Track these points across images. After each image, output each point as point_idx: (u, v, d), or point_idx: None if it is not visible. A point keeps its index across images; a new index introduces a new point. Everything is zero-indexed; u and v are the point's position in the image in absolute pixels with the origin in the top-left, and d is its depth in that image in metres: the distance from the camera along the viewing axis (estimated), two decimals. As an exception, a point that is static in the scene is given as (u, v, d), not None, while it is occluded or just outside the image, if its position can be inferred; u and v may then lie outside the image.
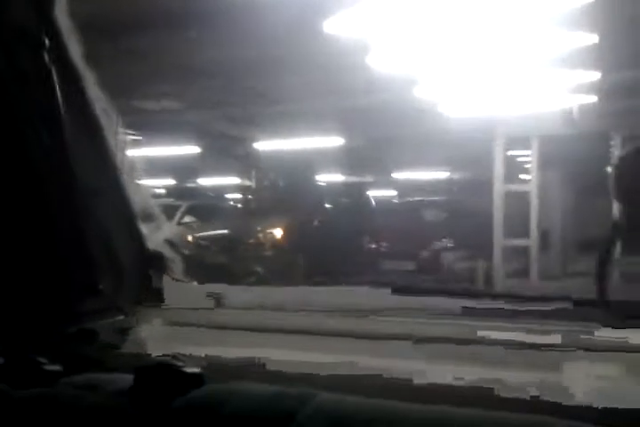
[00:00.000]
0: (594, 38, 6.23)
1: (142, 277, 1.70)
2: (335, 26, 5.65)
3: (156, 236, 1.70)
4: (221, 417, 1.01)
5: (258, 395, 1.05)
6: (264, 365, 1.25)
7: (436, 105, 8.36)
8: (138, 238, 1.68)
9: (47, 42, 1.41)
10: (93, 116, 1.52)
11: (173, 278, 1.75)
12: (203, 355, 1.28)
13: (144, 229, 1.70)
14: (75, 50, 1.47)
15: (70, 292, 1.55)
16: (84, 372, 1.20)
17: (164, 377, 1.06)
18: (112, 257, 1.63)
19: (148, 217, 1.71)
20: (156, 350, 1.42)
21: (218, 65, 7.63)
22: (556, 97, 8.27)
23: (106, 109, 1.55)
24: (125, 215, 1.65)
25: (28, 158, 1.45)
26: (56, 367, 1.17)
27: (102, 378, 1.17)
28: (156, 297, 1.72)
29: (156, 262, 1.71)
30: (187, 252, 12.08)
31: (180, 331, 1.62)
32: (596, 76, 7.56)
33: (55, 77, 1.42)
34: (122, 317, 1.64)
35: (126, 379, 1.09)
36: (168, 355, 1.18)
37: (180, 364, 1.08)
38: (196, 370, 1.08)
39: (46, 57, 1.41)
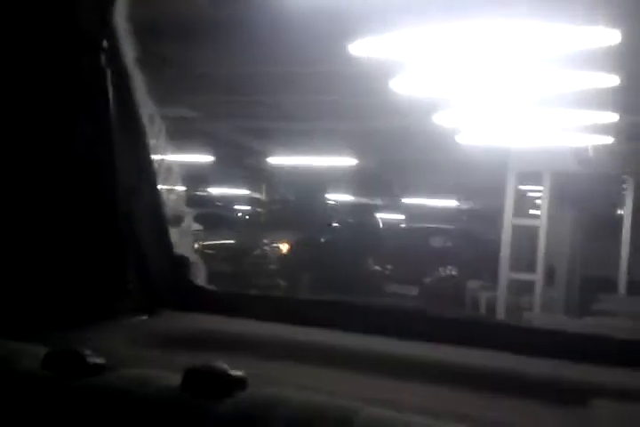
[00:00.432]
0: (615, 80, 6.28)
1: (168, 280, 1.75)
2: (362, 48, 5.68)
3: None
4: (271, 423, 1.02)
5: (306, 403, 1.06)
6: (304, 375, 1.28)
7: (454, 133, 8.41)
8: (166, 241, 1.73)
9: (105, 44, 1.46)
10: (139, 119, 1.57)
11: (195, 284, 1.79)
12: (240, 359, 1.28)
13: (173, 232, 1.74)
14: (129, 54, 1.52)
15: (102, 288, 1.59)
16: (125, 368, 1.22)
17: (211, 378, 1.08)
18: (142, 258, 1.68)
19: (178, 221, 1.76)
20: (184, 352, 1.47)
21: (240, 78, 7.71)
22: (572, 135, 8.31)
23: (152, 114, 1.59)
24: (157, 217, 1.70)
25: (75, 153, 1.50)
26: (100, 360, 1.19)
27: (147, 375, 1.19)
28: (180, 301, 1.75)
29: (181, 266, 1.75)
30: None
31: (203, 336, 1.62)
32: (614, 117, 7.60)
33: (109, 79, 1.46)
34: (146, 317, 1.69)
35: (174, 378, 1.11)
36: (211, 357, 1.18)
37: (224, 366, 1.09)
38: (241, 374, 1.10)
39: (103, 59, 1.46)
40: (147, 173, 1.64)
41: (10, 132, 1.47)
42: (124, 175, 1.55)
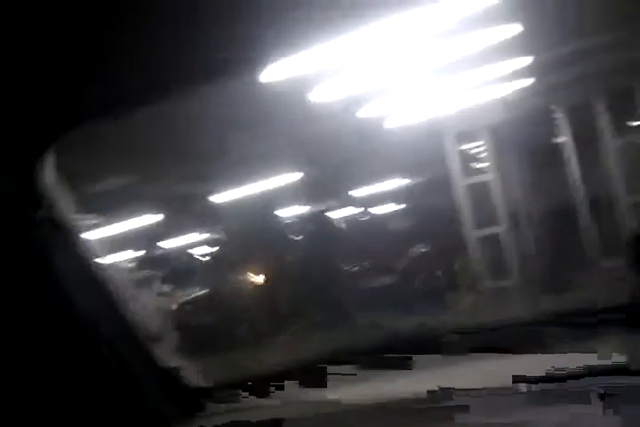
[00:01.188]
0: (517, 28, 6.38)
1: (164, 397, 1.74)
2: (270, 75, 5.65)
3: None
4: None
5: None
6: None
7: (381, 123, 8.43)
8: (152, 362, 1.74)
9: (41, 214, 1.49)
10: (93, 271, 1.62)
11: (193, 388, 1.79)
12: None
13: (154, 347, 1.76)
14: (68, 217, 1.57)
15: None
16: None
17: None
18: (134, 388, 1.67)
19: (157, 337, 1.84)
20: None
21: (159, 133, 7.54)
22: (493, 87, 8.40)
23: (101, 259, 1.68)
24: (136, 346, 1.71)
25: (35, 315, 1.50)
26: None
27: None
28: (186, 411, 1.74)
29: (173, 378, 1.77)
30: (174, 318, 11.92)
31: None
32: (528, 59, 7.71)
33: (51, 232, 1.49)
34: None
35: None
36: None
37: None
38: None
39: (40, 232, 1.48)
40: (116, 313, 1.66)
41: None
42: (94, 323, 1.58)
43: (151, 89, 1.33)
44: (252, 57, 1.30)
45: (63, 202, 1.55)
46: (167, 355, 1.79)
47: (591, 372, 1.37)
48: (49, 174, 1.49)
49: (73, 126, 1.42)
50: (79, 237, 1.59)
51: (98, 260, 1.66)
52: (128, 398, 1.61)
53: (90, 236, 1.71)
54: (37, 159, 1.45)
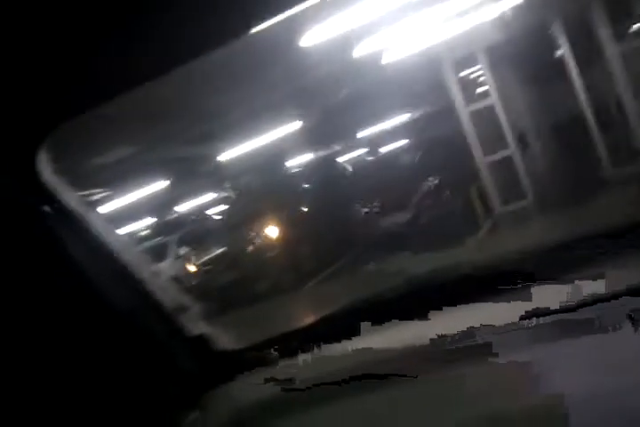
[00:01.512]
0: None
1: (196, 365, 1.76)
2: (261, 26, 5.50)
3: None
4: None
5: None
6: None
7: (378, 59, 8.22)
8: (180, 332, 1.75)
9: (46, 208, 1.47)
10: (108, 248, 1.61)
11: (222, 351, 1.80)
12: None
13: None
14: (73, 202, 1.55)
15: (144, 405, 1.60)
16: None
17: None
18: (165, 361, 1.71)
19: (182, 308, 1.80)
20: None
21: (155, 98, 7.40)
22: (483, 8, 8.13)
23: (116, 236, 1.67)
24: (163, 317, 1.72)
25: (60, 307, 1.50)
26: None
27: None
28: (219, 375, 1.76)
29: (202, 345, 1.78)
30: (194, 281, 11.99)
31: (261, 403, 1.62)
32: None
33: (62, 232, 1.48)
34: (198, 411, 1.67)
35: None
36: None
37: None
38: None
39: (49, 221, 1.47)
40: (137, 286, 1.68)
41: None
42: (119, 300, 1.59)
43: (162, 59, 1.30)
44: (245, 14, 1.24)
45: (66, 187, 1.54)
46: (193, 322, 1.80)
47: (616, 295, 1.31)
48: (49, 162, 1.50)
49: (74, 114, 1.38)
50: (89, 218, 1.59)
51: (112, 234, 1.67)
52: (160, 370, 1.64)
53: (102, 209, 1.69)
54: (37, 149, 1.45)
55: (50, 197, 1.50)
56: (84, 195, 1.62)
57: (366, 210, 12.76)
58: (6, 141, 1.38)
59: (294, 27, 5.78)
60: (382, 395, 1.45)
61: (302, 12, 5.88)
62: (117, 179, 11.05)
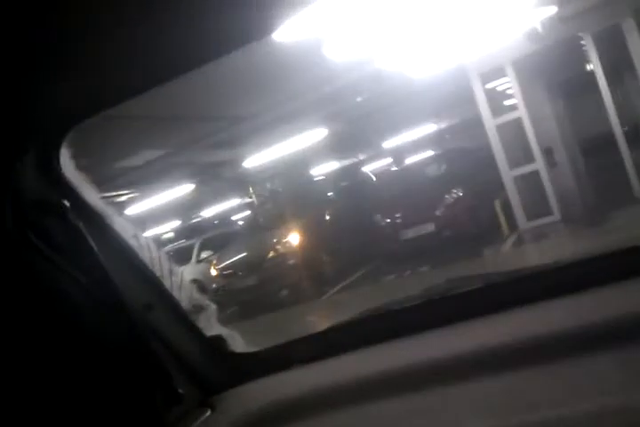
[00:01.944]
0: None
1: (211, 364, 1.78)
2: (284, 33, 5.57)
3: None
4: None
5: None
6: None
7: (402, 71, 8.18)
8: (196, 333, 1.77)
9: (65, 202, 1.47)
10: (125, 245, 1.63)
11: (238, 354, 1.82)
12: None
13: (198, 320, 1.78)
14: (93, 198, 1.56)
15: (154, 405, 1.58)
16: None
17: None
18: (180, 358, 1.70)
19: (199, 309, 1.82)
20: None
21: (183, 102, 7.47)
22: (514, 20, 8.05)
23: (135, 235, 1.67)
24: (179, 316, 1.74)
25: (79, 302, 1.50)
26: None
27: None
28: (232, 378, 1.78)
29: (218, 346, 1.81)
30: (214, 285, 12.00)
31: (272, 407, 1.62)
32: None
33: (82, 228, 1.47)
34: (209, 412, 1.68)
35: None
36: None
37: None
38: None
39: (69, 215, 1.46)
40: (155, 287, 1.70)
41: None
42: (136, 297, 1.60)
43: (183, 60, 1.30)
44: (266, 15, 1.22)
45: (87, 186, 1.55)
46: (210, 323, 1.82)
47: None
48: (70, 160, 1.51)
49: (95, 111, 1.39)
50: (110, 216, 1.61)
51: (134, 234, 1.68)
52: (174, 369, 1.62)
53: (127, 210, 1.68)
54: (61, 143, 1.45)
55: (72, 194, 1.50)
56: (108, 196, 1.60)
57: (389, 220, 12.68)
58: (32, 134, 1.38)
59: (323, 35, 5.79)
60: (395, 403, 1.45)
61: (330, 21, 5.84)
62: (143, 181, 11.15)
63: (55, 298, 1.49)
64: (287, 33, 5.38)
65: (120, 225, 1.64)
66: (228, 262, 12.31)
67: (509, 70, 10.01)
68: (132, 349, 1.55)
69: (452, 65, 8.71)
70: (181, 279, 1.80)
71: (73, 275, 1.47)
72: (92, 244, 1.48)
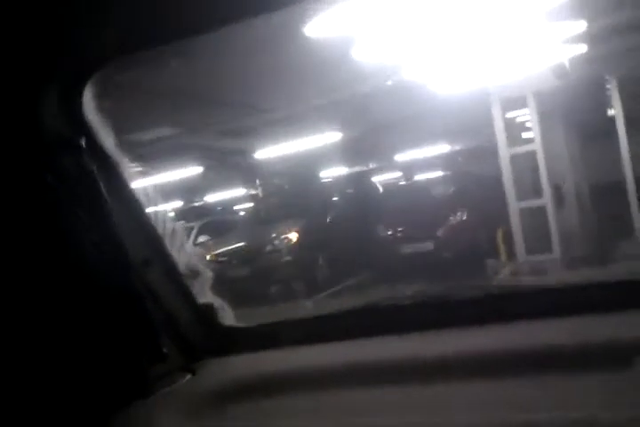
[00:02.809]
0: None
1: (199, 331, 1.79)
2: (316, 28, 5.60)
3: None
4: None
5: None
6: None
7: (426, 84, 8.24)
8: (188, 297, 1.78)
9: (82, 141, 1.48)
10: (132, 196, 1.64)
11: (227, 326, 1.83)
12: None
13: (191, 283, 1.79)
14: (108, 142, 1.56)
15: (138, 360, 1.60)
16: None
17: None
18: (169, 319, 1.72)
19: (195, 274, 1.82)
20: (241, 405, 1.50)
21: (205, 84, 7.54)
22: (544, 53, 8.14)
23: (145, 188, 1.69)
24: (174, 278, 1.74)
25: (78, 245, 1.52)
26: None
27: None
28: (217, 347, 1.79)
29: (208, 314, 1.81)
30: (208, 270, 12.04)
31: (251, 381, 1.64)
32: (582, 25, 7.42)
33: (94, 169, 1.49)
34: (190, 375, 1.69)
35: None
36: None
37: None
38: None
39: (84, 154, 1.48)
40: (155, 243, 1.70)
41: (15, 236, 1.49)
42: (135, 250, 1.59)
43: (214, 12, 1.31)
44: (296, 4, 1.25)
45: (106, 130, 1.56)
46: (204, 291, 1.82)
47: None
48: (92, 104, 1.51)
49: (121, 53, 1.42)
50: (123, 165, 1.61)
51: (143, 187, 1.70)
52: (162, 331, 1.63)
53: (134, 184, 1.75)
54: (83, 85, 1.46)
55: (90, 135, 1.51)
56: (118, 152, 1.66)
57: (390, 232, 12.73)
58: (59, 68, 1.39)
59: (352, 37, 5.86)
60: (372, 393, 1.47)
61: (365, 23, 5.91)
62: (151, 156, 11.15)
63: (58, 235, 1.50)
64: (319, 28, 5.43)
65: (130, 175, 1.64)
66: (224, 249, 12.35)
67: (530, 101, 10.05)
68: (124, 299, 1.56)
69: (477, 86, 8.77)
70: (182, 241, 1.80)
71: (79, 215, 1.47)
72: (103, 188, 1.49)
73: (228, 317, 1.84)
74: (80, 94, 1.47)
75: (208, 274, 1.86)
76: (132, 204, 1.64)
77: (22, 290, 1.51)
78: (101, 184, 1.49)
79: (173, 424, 1.45)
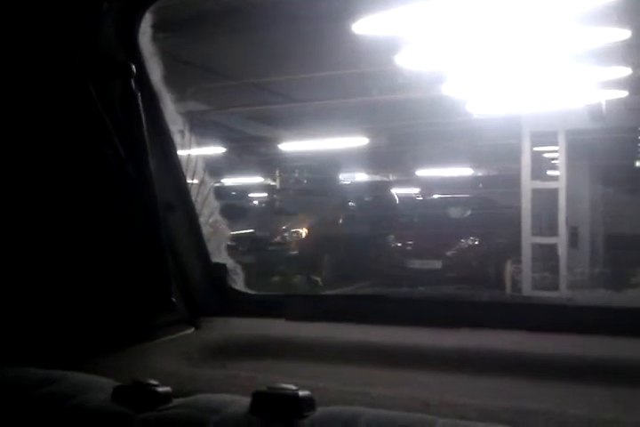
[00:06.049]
0: (626, 34, 6.13)
1: (208, 288, 1.79)
2: (365, 27, 5.65)
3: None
4: None
5: (377, 418, 1.04)
6: (369, 392, 1.25)
7: (465, 103, 8.27)
8: (203, 252, 1.78)
9: (133, 67, 1.46)
10: (170, 138, 1.63)
11: (235, 289, 1.84)
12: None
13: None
14: (156, 73, 1.55)
15: (147, 305, 1.61)
16: (194, 393, 1.21)
17: (279, 401, 1.07)
18: (182, 270, 1.71)
19: (215, 230, 1.81)
20: (239, 363, 1.50)
21: (241, 66, 7.63)
22: (583, 93, 8.15)
23: (182, 130, 1.67)
24: (193, 229, 1.74)
25: (110, 175, 1.51)
26: (167, 389, 1.17)
27: (215, 400, 1.17)
28: (222, 307, 1.80)
29: (219, 274, 1.81)
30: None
31: (251, 343, 1.65)
32: (626, 71, 7.44)
33: (139, 100, 1.47)
34: (192, 329, 1.71)
35: (242, 401, 1.11)
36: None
37: (293, 388, 1.08)
38: (308, 394, 1.08)
39: (133, 82, 1.46)
40: (181, 189, 1.69)
41: (52, 157, 1.48)
42: (162, 192, 1.56)
43: None
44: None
45: (156, 60, 1.56)
46: (219, 250, 1.83)
47: None
48: (147, 36, 1.52)
49: None
50: (165, 101, 1.58)
51: (181, 130, 1.67)
52: (175, 282, 1.65)
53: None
54: (143, 9, 1.47)
55: (140, 62, 1.49)
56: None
57: (399, 244, 12.76)
58: None
59: (401, 42, 5.91)
60: (366, 372, 1.49)
61: (416, 29, 5.90)
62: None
63: (97, 163, 1.48)
64: (369, 27, 5.43)
65: (171, 115, 1.62)
66: (234, 233, 12.40)
67: (561, 138, 10.02)
68: (145, 241, 1.55)
69: (511, 114, 8.78)
70: (208, 195, 1.76)
71: (114, 143, 1.45)
72: (143, 119, 1.46)
73: (238, 280, 1.85)
74: (139, 19, 1.47)
75: (227, 233, 1.86)
76: (166, 144, 1.62)
77: (54, 211, 1.49)
78: (143, 113, 1.46)
79: (170, 369, 1.46)
